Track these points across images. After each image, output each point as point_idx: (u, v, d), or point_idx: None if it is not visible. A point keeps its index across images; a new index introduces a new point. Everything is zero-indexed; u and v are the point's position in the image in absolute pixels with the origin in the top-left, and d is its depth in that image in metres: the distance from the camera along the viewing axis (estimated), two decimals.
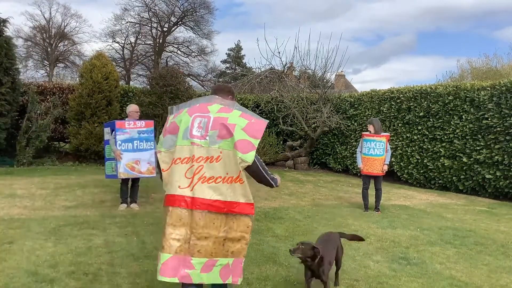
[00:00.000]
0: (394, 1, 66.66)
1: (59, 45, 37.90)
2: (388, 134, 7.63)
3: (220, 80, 38.56)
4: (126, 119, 6.91)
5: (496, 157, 9.04)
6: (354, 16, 66.52)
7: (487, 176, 9.23)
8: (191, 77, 37.19)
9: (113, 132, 6.62)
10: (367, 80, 65.34)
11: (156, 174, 6.75)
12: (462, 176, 9.82)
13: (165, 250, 2.97)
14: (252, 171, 3.03)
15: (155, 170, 6.67)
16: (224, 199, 2.97)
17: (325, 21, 64.21)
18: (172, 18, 38.05)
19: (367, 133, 7.47)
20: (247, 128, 3.01)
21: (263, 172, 3.09)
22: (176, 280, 2.98)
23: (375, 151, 7.28)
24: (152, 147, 6.84)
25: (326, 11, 65.51)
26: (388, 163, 7.41)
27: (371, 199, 7.53)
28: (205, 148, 2.98)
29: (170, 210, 2.99)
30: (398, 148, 11.14)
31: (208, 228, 2.98)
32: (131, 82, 36.66)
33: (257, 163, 3.03)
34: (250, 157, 2.97)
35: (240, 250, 3.06)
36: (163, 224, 3.02)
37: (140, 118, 7.07)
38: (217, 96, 3.23)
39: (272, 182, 3.19)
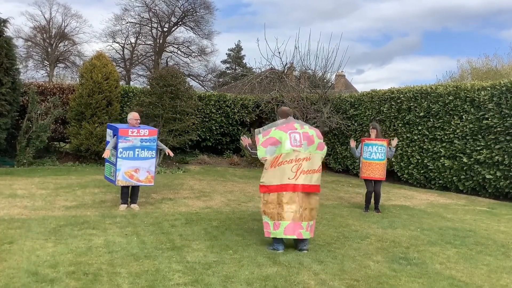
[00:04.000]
0: (401, 1, 66.70)
1: (59, 45, 37.95)
2: (387, 139, 7.65)
3: (220, 80, 38.57)
4: (127, 125, 6.86)
5: (497, 157, 9.04)
6: (362, 16, 66.62)
7: (487, 176, 9.23)
8: (191, 77, 37.23)
9: (115, 137, 6.62)
10: (371, 80, 65.38)
11: (153, 183, 6.96)
12: (462, 176, 9.81)
13: (285, 219, 4.82)
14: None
15: (153, 179, 6.87)
16: (312, 183, 4.93)
17: (333, 20, 64.32)
18: (172, 18, 38.10)
19: (366, 137, 7.45)
20: (317, 134, 5.11)
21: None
22: (294, 237, 4.86)
23: (376, 155, 7.23)
24: (153, 156, 6.78)
25: (334, 10, 65.58)
26: (393, 150, 7.51)
27: (372, 201, 7.52)
28: (302, 153, 4.90)
29: (284, 194, 4.83)
30: (399, 148, 11.13)
31: (306, 203, 4.92)
32: (131, 82, 36.74)
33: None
34: (324, 151, 5.16)
35: (314, 215, 5.08)
36: (271, 204, 4.87)
37: (140, 118, 7.05)
38: (290, 117, 5.27)
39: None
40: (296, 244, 5.03)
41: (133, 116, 6.89)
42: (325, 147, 5.21)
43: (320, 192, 5.28)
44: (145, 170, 6.69)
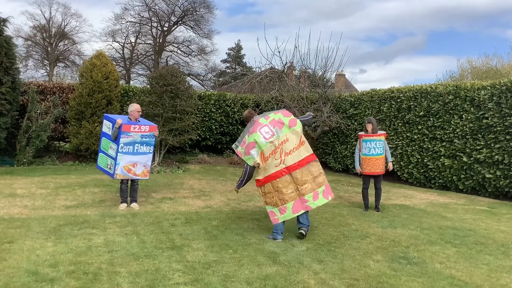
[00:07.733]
0: (407, 0, 66.65)
1: (59, 44, 37.92)
2: (384, 132, 7.62)
3: (220, 79, 38.57)
4: (127, 118, 6.84)
5: (496, 157, 9.04)
6: (367, 15, 66.62)
7: (487, 176, 9.23)
8: (191, 76, 37.21)
9: (114, 126, 6.65)
10: (374, 79, 65.36)
11: (148, 177, 7.12)
12: (462, 176, 9.81)
13: (289, 201, 5.21)
14: (302, 131, 5.50)
15: (149, 173, 7.03)
16: (301, 158, 5.27)
17: (338, 20, 64.33)
18: (172, 18, 38.04)
19: (363, 133, 7.45)
20: (284, 114, 5.49)
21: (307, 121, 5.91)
22: (303, 211, 5.26)
23: (375, 150, 7.26)
24: (150, 151, 6.89)
25: (339, 10, 65.59)
26: (391, 160, 7.43)
27: (371, 199, 7.53)
28: (278, 139, 5.30)
29: (278, 180, 5.20)
30: (398, 148, 11.13)
31: (304, 177, 5.24)
32: (131, 82, 36.71)
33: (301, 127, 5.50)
34: (298, 125, 5.46)
35: (323, 180, 5.39)
36: (269, 193, 5.26)
37: (140, 117, 7.04)
38: (255, 116, 5.58)
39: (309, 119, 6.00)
40: (298, 222, 5.42)
41: (135, 108, 6.89)
42: (298, 121, 5.49)
43: None
44: (142, 165, 6.82)
